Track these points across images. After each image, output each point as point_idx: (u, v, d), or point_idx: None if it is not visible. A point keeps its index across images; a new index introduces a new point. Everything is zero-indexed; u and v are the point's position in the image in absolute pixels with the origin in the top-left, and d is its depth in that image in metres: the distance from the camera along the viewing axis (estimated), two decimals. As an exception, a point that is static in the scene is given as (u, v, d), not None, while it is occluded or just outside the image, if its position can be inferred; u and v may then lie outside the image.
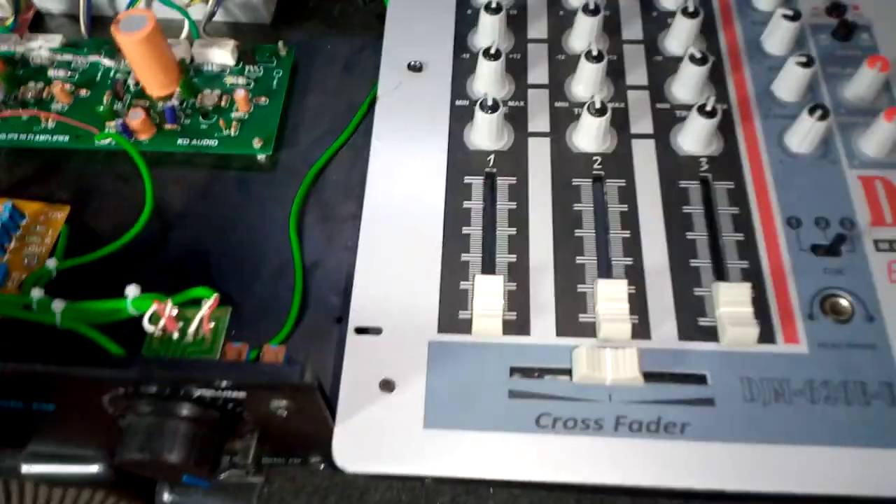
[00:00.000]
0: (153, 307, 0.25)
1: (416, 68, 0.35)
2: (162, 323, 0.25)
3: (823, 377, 0.27)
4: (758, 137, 0.33)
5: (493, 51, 0.33)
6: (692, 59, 0.32)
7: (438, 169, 0.32)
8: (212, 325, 0.25)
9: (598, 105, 0.31)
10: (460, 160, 0.32)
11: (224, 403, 0.24)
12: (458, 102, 0.34)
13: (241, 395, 0.24)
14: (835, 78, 0.34)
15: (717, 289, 0.28)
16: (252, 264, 0.36)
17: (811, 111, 0.31)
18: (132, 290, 0.26)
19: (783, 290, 0.29)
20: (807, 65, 0.32)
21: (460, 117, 0.34)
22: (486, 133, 0.32)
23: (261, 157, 0.39)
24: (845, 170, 0.32)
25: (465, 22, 0.37)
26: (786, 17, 0.34)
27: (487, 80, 0.34)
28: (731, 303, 0.27)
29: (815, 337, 0.28)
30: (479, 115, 0.32)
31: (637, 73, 0.35)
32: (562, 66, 0.35)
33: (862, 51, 0.35)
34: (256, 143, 0.39)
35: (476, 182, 0.32)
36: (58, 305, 0.28)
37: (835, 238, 0.29)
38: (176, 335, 0.25)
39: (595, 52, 0.33)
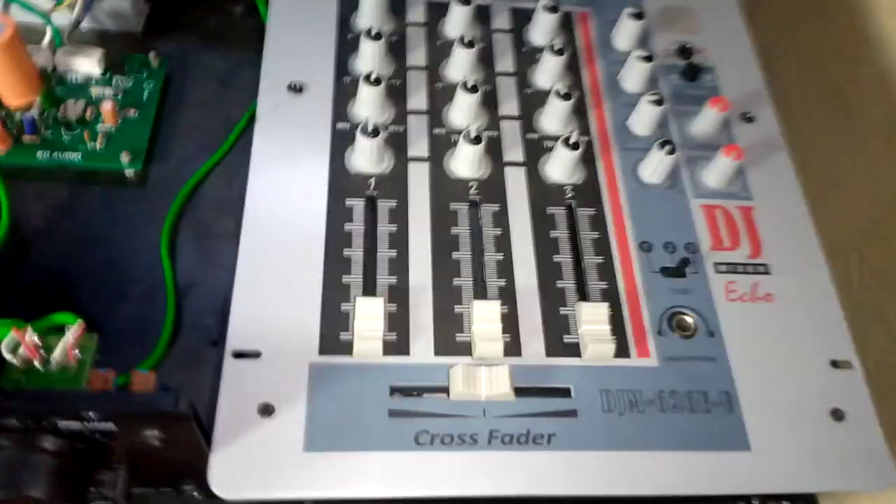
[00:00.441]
0: (12, 334, 0.23)
1: (296, 89, 0.35)
2: (22, 351, 0.23)
3: (671, 387, 0.30)
4: (615, 168, 0.36)
5: (373, 77, 0.34)
6: (558, 94, 0.35)
7: (320, 191, 0.33)
8: (76, 352, 0.24)
9: (473, 134, 0.33)
10: (341, 183, 0.33)
11: (91, 434, 0.23)
12: (339, 125, 0.35)
13: (110, 426, 0.23)
14: (683, 115, 0.38)
15: (579, 308, 0.30)
16: (120, 285, 0.35)
17: (661, 146, 0.34)
18: (-14, 317, 0.25)
19: (636, 309, 0.31)
20: (658, 103, 0.36)
21: (342, 140, 0.34)
22: (366, 157, 0.33)
23: (129, 171, 0.38)
24: (690, 199, 0.35)
25: (347, 45, 0.37)
26: (640, 58, 0.37)
27: (368, 104, 0.34)
28: (591, 321, 0.30)
29: (664, 351, 0.30)
30: (360, 140, 0.32)
31: (509, 104, 0.37)
32: (440, 94, 0.37)
33: (707, 90, 0.39)
34: (125, 158, 0.37)
35: (357, 205, 0.32)
36: None
37: (680, 261, 0.33)
38: (38, 364, 0.24)
39: (470, 84, 0.34)
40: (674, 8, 0.42)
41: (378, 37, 0.35)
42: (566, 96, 0.35)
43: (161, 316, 0.33)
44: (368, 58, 0.36)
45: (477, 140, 0.33)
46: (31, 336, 0.24)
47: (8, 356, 0.23)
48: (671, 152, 0.34)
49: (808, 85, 0.52)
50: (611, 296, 0.32)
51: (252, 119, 0.36)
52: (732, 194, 0.36)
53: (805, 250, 0.34)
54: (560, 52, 0.36)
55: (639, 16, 0.39)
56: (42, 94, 0.38)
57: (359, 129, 0.32)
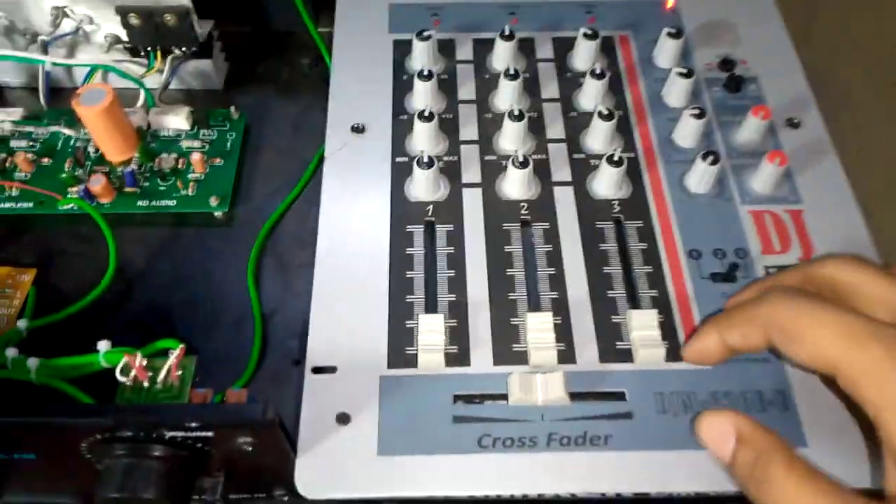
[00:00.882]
0: (124, 360, 0.27)
1: (358, 130, 0.39)
2: (133, 374, 0.27)
3: (725, 388, 0.31)
4: (661, 181, 0.37)
5: (426, 113, 0.37)
6: (600, 115, 0.37)
7: (383, 220, 0.36)
8: (179, 372, 0.28)
9: (521, 159, 0.35)
10: (402, 211, 0.36)
11: (194, 443, 0.27)
12: (398, 159, 0.38)
13: (209, 434, 0.26)
14: (727, 125, 0.39)
15: (629, 316, 0.32)
16: (213, 315, 0.39)
17: (704, 157, 0.35)
18: (103, 345, 0.29)
19: (687, 314, 0.33)
20: (699, 116, 0.37)
21: (401, 172, 0.37)
22: (423, 186, 0.36)
23: (217, 213, 0.42)
24: (738, 206, 0.36)
25: (402, 86, 0.41)
26: (680, 74, 0.39)
27: (423, 139, 0.37)
28: (641, 327, 0.31)
29: (716, 355, 0.32)
30: (417, 171, 0.35)
31: (555, 128, 0.39)
32: (489, 124, 0.39)
33: (750, 100, 0.40)
34: (213, 202, 0.42)
35: (417, 230, 0.35)
36: (32, 363, 0.30)
37: (730, 266, 0.34)
38: (146, 384, 0.27)
39: (517, 112, 0.37)
40: (713, 22, 0.44)
41: (429, 76, 0.38)
42: (608, 116, 0.37)
43: (250, 340, 0.37)
44: (421, 96, 0.39)
45: (524, 164, 0.35)
46: (140, 360, 0.27)
47: (121, 378, 0.27)
48: (714, 162, 0.35)
49: (868, 81, 0.52)
50: (661, 303, 0.33)
51: (322, 160, 0.39)
52: (781, 199, 0.36)
53: (857, 250, 0.35)
54: (601, 76, 0.38)
55: (677, 35, 0.40)
56: (139, 149, 0.43)
57: (415, 161, 0.35)
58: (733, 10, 0.44)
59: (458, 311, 0.33)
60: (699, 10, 0.44)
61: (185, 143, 0.44)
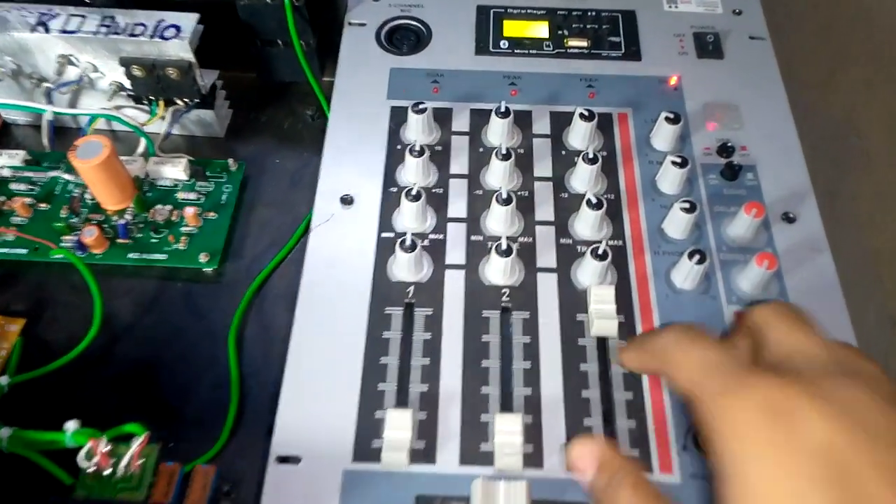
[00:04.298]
0: (88, 444, 0.28)
1: (347, 201, 0.39)
2: (96, 459, 0.27)
3: (693, 504, 0.30)
4: (647, 272, 0.37)
5: (414, 192, 0.37)
6: (589, 203, 0.36)
7: (363, 299, 0.36)
8: (141, 461, 0.28)
9: (504, 246, 0.35)
10: (383, 291, 0.36)
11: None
12: (384, 234, 0.38)
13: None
14: (720, 216, 0.39)
15: (599, 424, 0.31)
16: (194, 375, 0.39)
17: (690, 256, 0.35)
18: (71, 426, 0.29)
19: (662, 423, 0.32)
20: (690, 210, 0.37)
21: (385, 249, 0.37)
22: (405, 268, 0.36)
23: (207, 269, 0.42)
24: (723, 305, 0.36)
25: (395, 155, 0.41)
26: (675, 163, 0.38)
27: (409, 217, 0.37)
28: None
29: (687, 468, 0.31)
30: (399, 252, 0.35)
31: (545, 209, 0.39)
32: (479, 202, 0.39)
33: (747, 190, 0.40)
34: (203, 258, 0.42)
35: (396, 313, 0.35)
36: (4, 433, 0.31)
37: (708, 372, 0.33)
38: (108, 471, 0.28)
39: (504, 196, 0.37)
40: (716, 103, 0.43)
41: (420, 153, 0.38)
42: (597, 205, 0.36)
43: (227, 405, 0.37)
44: (411, 172, 0.39)
45: (507, 252, 0.35)
46: (103, 446, 0.28)
47: (83, 465, 0.27)
48: (701, 262, 0.35)
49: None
50: (636, 409, 0.33)
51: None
52: (768, 300, 0.36)
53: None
54: (593, 161, 0.38)
55: (675, 120, 0.40)
56: (135, 200, 0.43)
57: (398, 243, 0.35)
58: (738, 90, 0.44)
59: (430, 404, 0.33)
60: (702, 89, 0.44)
61: (181, 195, 0.44)
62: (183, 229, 0.43)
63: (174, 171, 0.45)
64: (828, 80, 0.51)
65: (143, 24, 0.43)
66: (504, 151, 0.38)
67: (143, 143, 0.46)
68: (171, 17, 0.43)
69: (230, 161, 0.46)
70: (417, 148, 0.38)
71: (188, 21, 0.43)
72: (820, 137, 0.41)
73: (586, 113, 0.40)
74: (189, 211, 0.43)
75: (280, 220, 0.45)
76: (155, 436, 0.30)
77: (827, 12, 0.56)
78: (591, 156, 0.38)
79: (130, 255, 0.42)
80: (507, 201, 0.36)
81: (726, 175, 0.40)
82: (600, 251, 0.35)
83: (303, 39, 0.48)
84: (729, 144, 0.41)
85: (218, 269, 0.42)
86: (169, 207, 0.44)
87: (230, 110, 0.50)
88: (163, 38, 0.42)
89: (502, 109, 0.40)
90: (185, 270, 0.42)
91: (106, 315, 0.39)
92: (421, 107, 0.40)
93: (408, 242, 0.35)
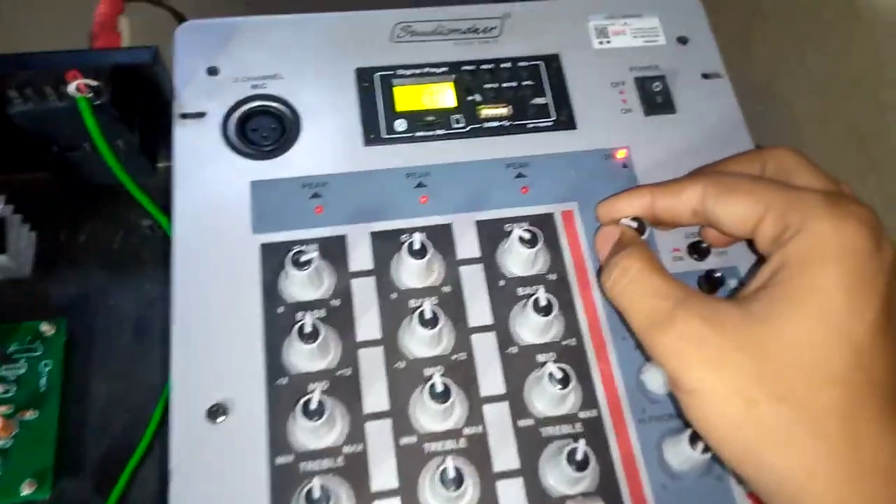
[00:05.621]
0: None
1: (216, 413, 0.27)
2: None
3: None
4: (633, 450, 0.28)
5: (313, 406, 0.26)
6: (551, 378, 0.27)
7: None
8: None
9: (450, 469, 0.25)
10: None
11: None
12: (278, 460, 0.27)
13: None
14: (706, 346, 0.31)
15: None
16: None
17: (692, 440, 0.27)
18: None
19: None
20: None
21: (286, 480, 0.27)
22: (318, 518, 0.25)
23: (36, 501, 0.30)
24: (732, 486, 0.28)
25: (277, 329, 0.29)
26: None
27: (310, 437, 0.27)
28: None
29: None
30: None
31: (491, 380, 0.29)
32: (403, 380, 0.29)
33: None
34: (27, 488, 0.30)
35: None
36: None
37: None
38: None
39: (440, 387, 0.27)
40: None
41: (313, 336, 0.27)
42: (563, 380, 0.27)
43: None
44: (304, 359, 0.28)
45: (456, 477, 0.25)
46: None
47: None
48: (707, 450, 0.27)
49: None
50: None
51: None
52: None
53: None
54: (547, 311, 0.29)
55: (640, 230, 0.31)
56: None
57: (302, 495, 0.25)
58: (699, 151, 0.34)
59: None
60: (657, 157, 0.35)
61: (-25, 393, 0.32)
62: (-13, 449, 0.31)
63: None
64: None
65: None
66: (429, 314, 0.28)
67: None
68: None
69: (42, 325, 0.34)
70: (308, 329, 0.27)
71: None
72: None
73: (527, 236, 0.30)
74: (-8, 423, 0.30)
75: (130, 400, 0.34)
76: None
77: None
78: (543, 303, 0.28)
79: (-87, 508, 0.29)
80: (443, 395, 0.27)
81: (706, 289, 0.32)
82: (578, 456, 0.26)
83: (117, 141, 0.34)
84: (701, 244, 0.32)
85: (50, 498, 0.31)
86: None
87: (32, 233, 0.37)
88: None
89: (416, 246, 0.29)
90: (3, 510, 0.30)
91: None
92: (304, 258, 0.28)
93: (315, 495, 0.25)
